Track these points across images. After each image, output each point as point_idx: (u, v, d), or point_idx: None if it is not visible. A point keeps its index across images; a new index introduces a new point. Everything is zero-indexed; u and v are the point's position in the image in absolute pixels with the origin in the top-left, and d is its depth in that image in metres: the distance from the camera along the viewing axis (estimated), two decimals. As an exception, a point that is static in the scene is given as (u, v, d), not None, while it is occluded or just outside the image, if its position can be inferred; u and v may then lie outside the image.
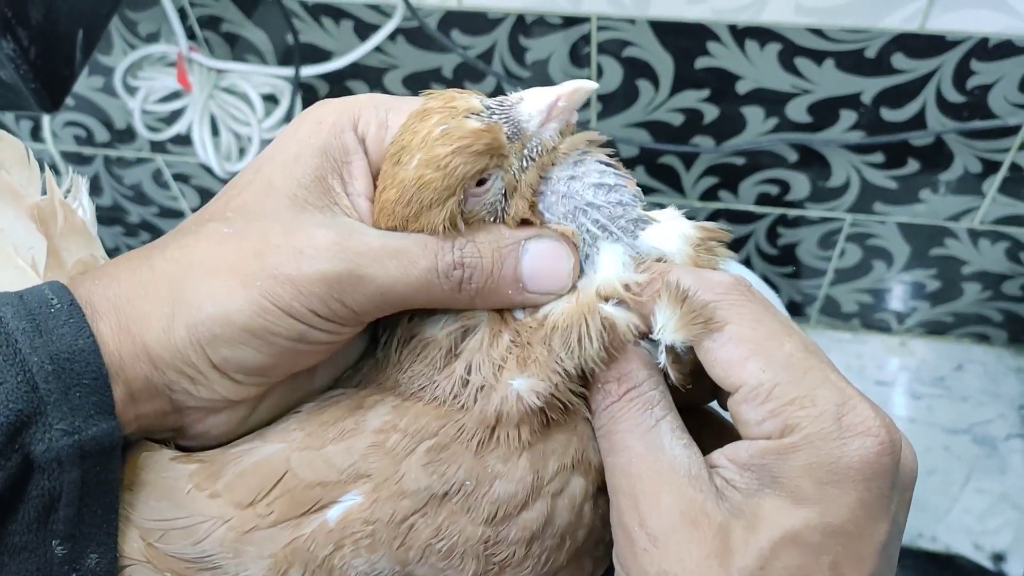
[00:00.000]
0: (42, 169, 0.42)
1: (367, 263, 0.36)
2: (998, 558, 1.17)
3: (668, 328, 0.37)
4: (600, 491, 0.38)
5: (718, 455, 0.36)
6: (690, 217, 0.42)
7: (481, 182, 0.38)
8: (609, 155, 0.41)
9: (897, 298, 1.29)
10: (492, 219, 0.39)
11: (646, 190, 1.18)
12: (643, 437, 0.36)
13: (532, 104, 0.38)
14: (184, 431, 0.39)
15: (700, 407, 0.42)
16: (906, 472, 0.36)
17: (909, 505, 0.37)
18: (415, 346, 0.39)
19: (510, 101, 0.38)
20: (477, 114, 0.37)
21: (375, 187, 0.39)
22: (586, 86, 0.38)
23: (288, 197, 0.37)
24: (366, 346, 0.42)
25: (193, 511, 0.37)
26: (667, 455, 0.36)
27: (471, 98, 0.38)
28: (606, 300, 0.38)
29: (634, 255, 0.39)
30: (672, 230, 0.40)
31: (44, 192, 0.42)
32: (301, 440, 0.38)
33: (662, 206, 0.42)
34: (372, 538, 0.36)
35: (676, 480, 0.35)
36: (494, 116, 0.38)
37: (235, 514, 0.36)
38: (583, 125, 1.08)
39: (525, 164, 0.38)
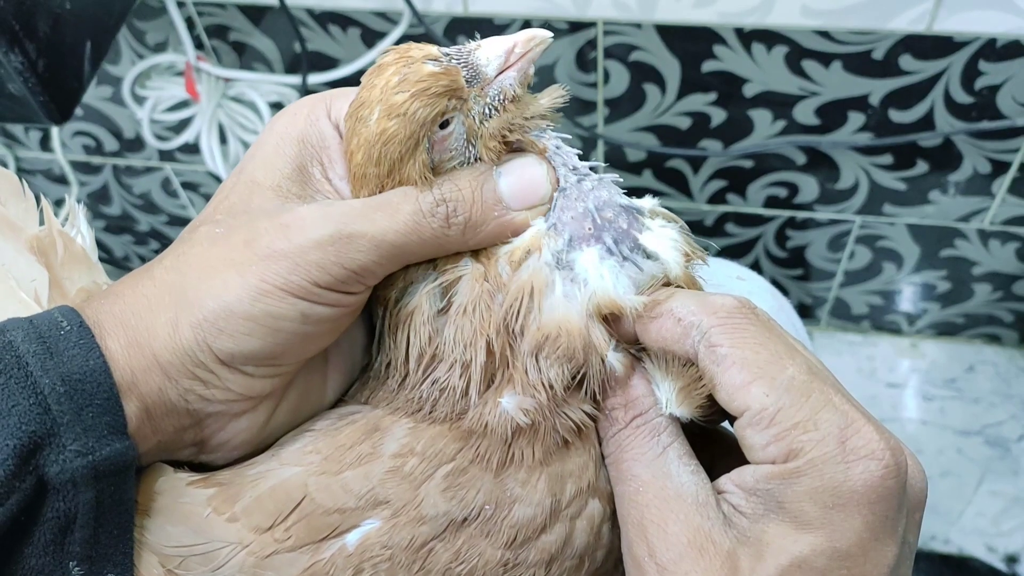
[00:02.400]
0: (38, 200, 0.42)
1: (353, 220, 0.36)
2: (1012, 560, 1.17)
3: (671, 402, 0.37)
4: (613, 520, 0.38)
5: (725, 480, 0.36)
6: (663, 207, 0.42)
7: (444, 125, 0.37)
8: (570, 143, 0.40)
9: (907, 299, 1.29)
10: (462, 165, 0.39)
11: (654, 193, 1.18)
12: (650, 465, 0.36)
13: (489, 49, 0.38)
14: (205, 444, 0.39)
15: (712, 427, 0.41)
16: (914, 493, 0.35)
17: (919, 525, 0.36)
18: (399, 320, 0.40)
19: (467, 48, 0.38)
20: (435, 60, 0.37)
21: None
22: (541, 34, 0.38)
23: (272, 190, 0.38)
24: (370, 355, 0.42)
25: (212, 536, 0.36)
26: (674, 482, 0.36)
27: (427, 47, 0.38)
28: (603, 320, 0.38)
29: (633, 275, 0.38)
30: (664, 237, 0.39)
31: (42, 223, 0.41)
32: (319, 464, 0.37)
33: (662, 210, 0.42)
34: (391, 562, 0.36)
35: (683, 508, 0.35)
36: (452, 61, 0.37)
37: (254, 539, 0.36)
38: (590, 130, 1.08)
39: (487, 112, 0.38)
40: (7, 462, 0.32)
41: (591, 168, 0.40)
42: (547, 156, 0.39)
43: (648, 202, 0.41)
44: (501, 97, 0.38)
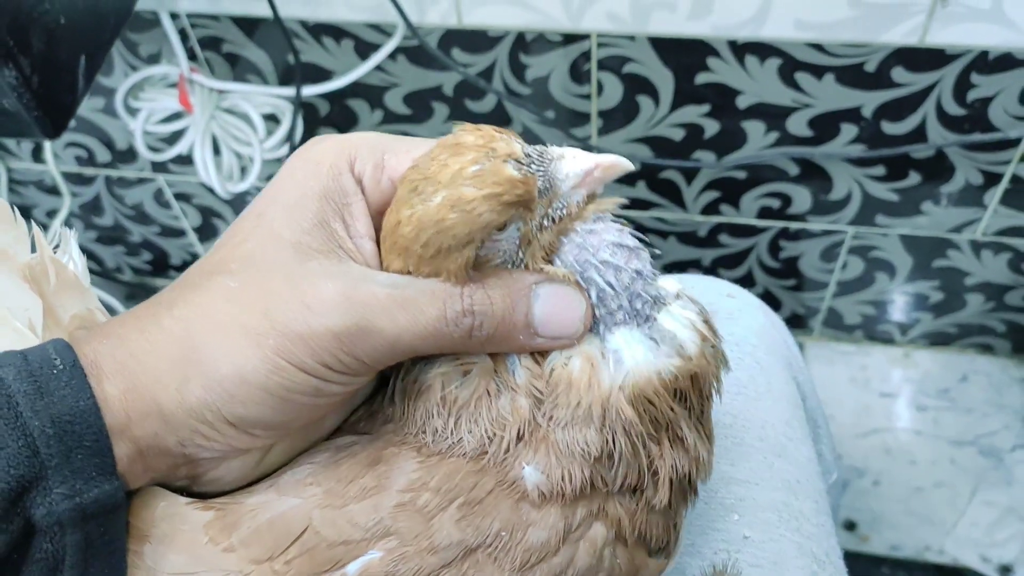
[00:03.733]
0: (29, 227, 0.41)
1: (375, 315, 0.35)
2: (1006, 570, 1.17)
3: None
4: (619, 540, 0.38)
5: None
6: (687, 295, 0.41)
7: (501, 228, 0.36)
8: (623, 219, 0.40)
9: (900, 310, 1.29)
10: (504, 265, 0.37)
11: (647, 205, 1.19)
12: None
13: (572, 164, 0.36)
14: (197, 479, 0.38)
15: None
16: None
17: None
18: (411, 391, 0.39)
19: (550, 155, 0.37)
20: (517, 160, 0.35)
21: (375, 226, 0.38)
22: (623, 163, 0.37)
23: (292, 245, 0.36)
24: (375, 384, 0.42)
25: (210, 565, 0.36)
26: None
27: (513, 142, 0.36)
28: (631, 403, 0.37)
29: (654, 344, 0.38)
30: (683, 319, 0.39)
31: (33, 249, 0.41)
32: (321, 497, 0.37)
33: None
34: None
35: None
36: (532, 167, 0.36)
37: (252, 569, 0.36)
38: (583, 141, 1.08)
39: (546, 223, 0.37)
40: None
41: (638, 240, 0.39)
42: (586, 274, 0.38)
43: (673, 286, 0.40)
44: (564, 212, 0.37)
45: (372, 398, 0.41)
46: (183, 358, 0.35)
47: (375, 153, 0.38)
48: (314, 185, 0.38)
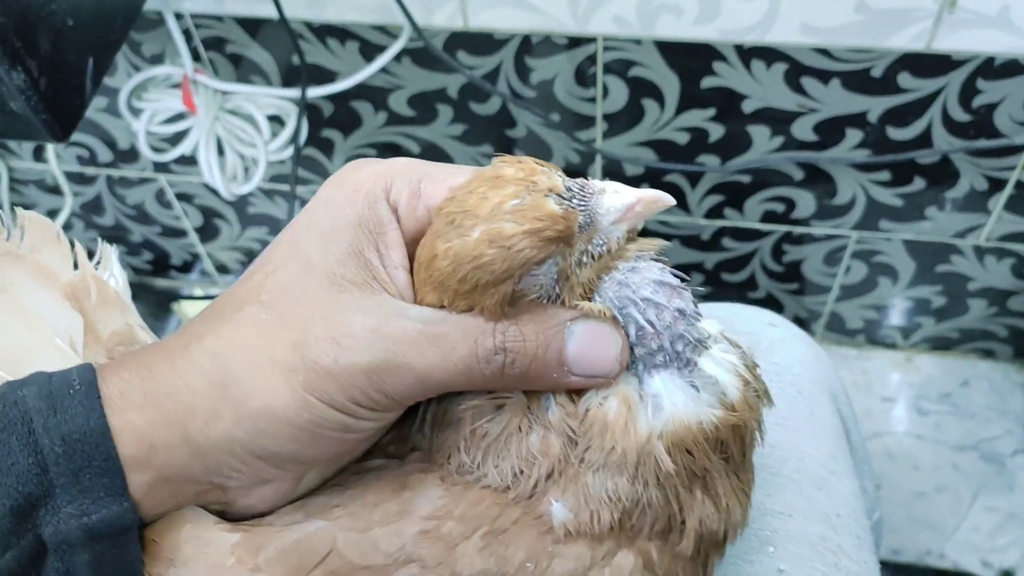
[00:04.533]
0: (73, 246, 0.42)
1: (405, 350, 0.34)
2: (1007, 575, 1.17)
3: None
4: (648, 570, 0.37)
5: None
6: (727, 336, 0.40)
7: (539, 263, 0.35)
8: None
9: (902, 314, 1.29)
10: (539, 300, 0.36)
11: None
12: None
13: (614, 199, 0.36)
14: (230, 506, 0.38)
15: None
16: None
17: None
18: (441, 422, 0.38)
19: (592, 189, 0.36)
20: (559, 197, 0.34)
21: (409, 254, 0.37)
22: (666, 200, 0.36)
23: (326, 276, 0.36)
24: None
25: None
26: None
27: (554, 176, 0.35)
28: (668, 453, 0.36)
29: (694, 391, 0.37)
30: (726, 363, 0.38)
31: (75, 267, 0.42)
32: (346, 521, 0.37)
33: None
34: None
35: None
36: (574, 201, 0.35)
37: None
38: (588, 144, 1.08)
39: (584, 260, 0.36)
40: (2, 521, 0.32)
41: (681, 280, 0.38)
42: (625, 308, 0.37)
43: (715, 327, 0.39)
44: (605, 248, 0.36)
45: (404, 420, 0.41)
46: (212, 392, 0.35)
47: (412, 180, 0.38)
48: (349, 213, 0.37)
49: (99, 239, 0.45)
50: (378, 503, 0.37)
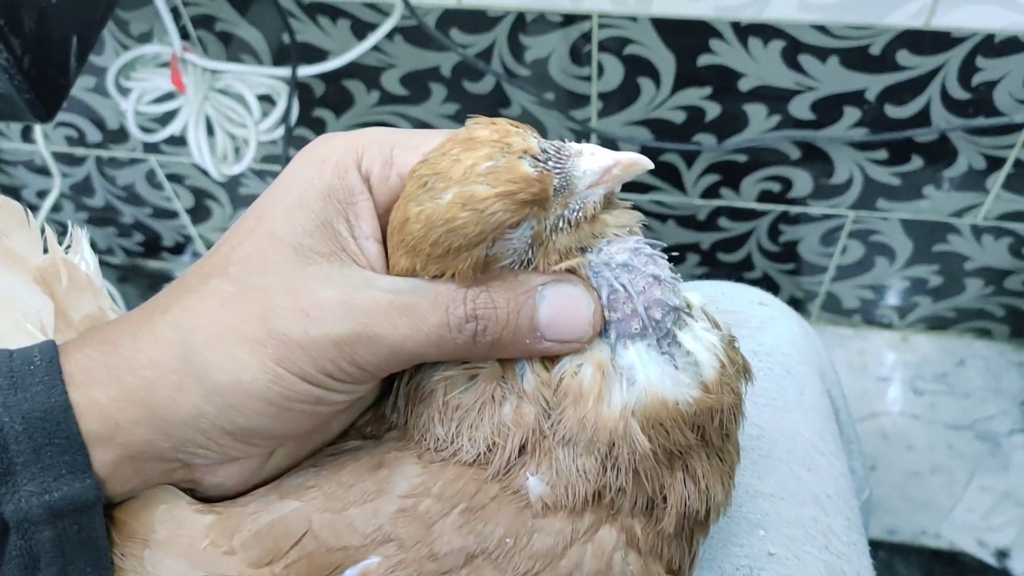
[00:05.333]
0: (43, 229, 0.41)
1: (375, 321, 0.34)
2: (1002, 554, 1.17)
3: None
4: (631, 546, 0.37)
5: None
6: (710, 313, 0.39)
7: (513, 226, 0.34)
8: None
9: (899, 294, 1.29)
10: (512, 266, 0.36)
11: (646, 188, 1.17)
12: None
13: (591, 162, 0.35)
14: (198, 484, 0.38)
15: None
16: None
17: None
18: (415, 396, 0.38)
19: (567, 151, 0.35)
20: (534, 156, 0.34)
21: (383, 224, 0.37)
22: (642, 161, 0.35)
23: (292, 247, 0.35)
24: (384, 387, 0.41)
25: (210, 569, 0.35)
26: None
27: (529, 136, 0.34)
28: (643, 431, 0.36)
29: (672, 368, 0.36)
30: (706, 341, 0.37)
31: (46, 250, 0.41)
32: (321, 501, 0.36)
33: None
34: None
35: None
36: (549, 163, 0.34)
37: (251, 573, 0.35)
38: (583, 124, 1.07)
39: (560, 225, 0.35)
40: None
41: (654, 249, 0.37)
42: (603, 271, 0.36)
43: (695, 298, 0.38)
44: (580, 213, 0.35)
45: (380, 401, 0.40)
46: (178, 366, 0.34)
47: (383, 149, 0.37)
48: (318, 184, 0.36)
49: (82, 223, 0.45)
50: (354, 482, 0.36)
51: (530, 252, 0.36)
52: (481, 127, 0.35)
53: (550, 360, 0.37)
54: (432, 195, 0.34)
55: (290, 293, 0.34)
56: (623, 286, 0.36)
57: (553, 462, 0.36)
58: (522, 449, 0.36)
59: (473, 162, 0.33)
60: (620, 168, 0.35)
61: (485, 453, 0.36)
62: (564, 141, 0.36)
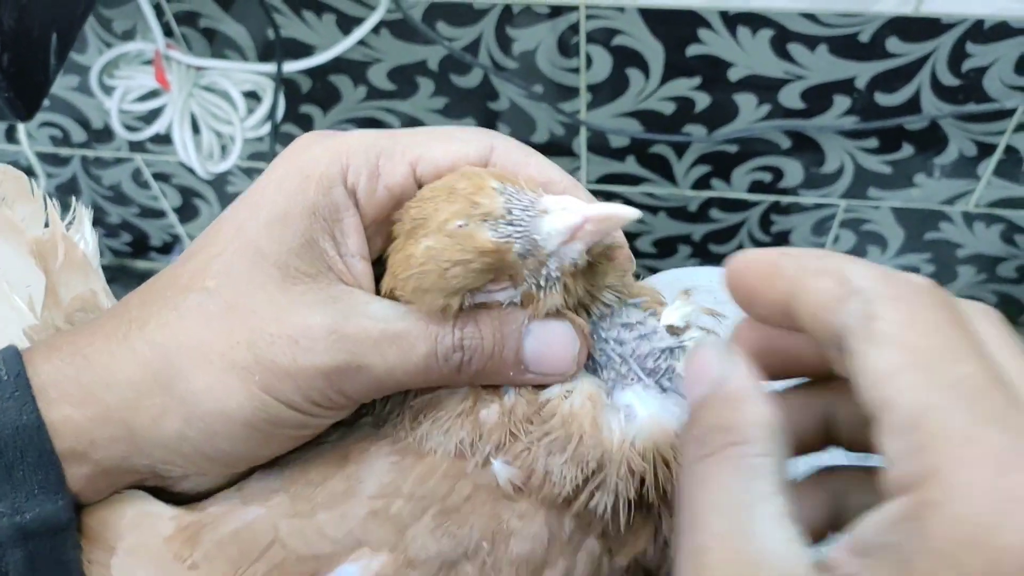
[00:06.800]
0: (46, 203, 0.41)
1: (365, 352, 0.34)
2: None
3: None
4: (613, 555, 0.36)
5: (840, 549, 0.25)
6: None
7: (496, 280, 0.34)
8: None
9: (891, 282, 1.28)
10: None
11: (637, 180, 1.17)
12: (730, 514, 0.26)
13: (554, 222, 0.33)
14: (166, 489, 0.37)
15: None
16: None
17: None
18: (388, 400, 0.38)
19: (535, 209, 0.34)
20: (494, 223, 0.33)
21: (369, 236, 0.37)
22: (620, 213, 0.33)
23: (277, 267, 0.34)
24: None
25: None
26: (756, 545, 0.25)
27: (497, 197, 0.34)
28: (643, 458, 0.35)
29: (678, 404, 0.36)
30: (676, 317, 0.37)
31: (47, 225, 0.41)
32: (287, 506, 0.35)
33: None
34: None
35: None
36: (511, 226, 0.33)
37: None
38: (572, 116, 1.06)
39: (545, 284, 0.34)
40: None
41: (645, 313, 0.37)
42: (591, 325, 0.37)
43: (677, 314, 0.38)
44: (559, 273, 0.35)
45: None
46: (160, 388, 0.33)
47: (369, 159, 0.36)
48: (302, 200, 0.35)
49: (68, 225, 0.44)
50: (321, 481, 0.36)
51: (522, 306, 0.36)
52: (463, 179, 0.35)
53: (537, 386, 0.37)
54: (415, 238, 0.35)
55: (277, 319, 0.34)
56: (619, 356, 0.37)
57: (528, 456, 0.35)
58: (498, 449, 0.36)
59: (446, 217, 0.34)
60: (592, 224, 0.33)
61: (458, 447, 0.36)
62: (539, 195, 0.35)
